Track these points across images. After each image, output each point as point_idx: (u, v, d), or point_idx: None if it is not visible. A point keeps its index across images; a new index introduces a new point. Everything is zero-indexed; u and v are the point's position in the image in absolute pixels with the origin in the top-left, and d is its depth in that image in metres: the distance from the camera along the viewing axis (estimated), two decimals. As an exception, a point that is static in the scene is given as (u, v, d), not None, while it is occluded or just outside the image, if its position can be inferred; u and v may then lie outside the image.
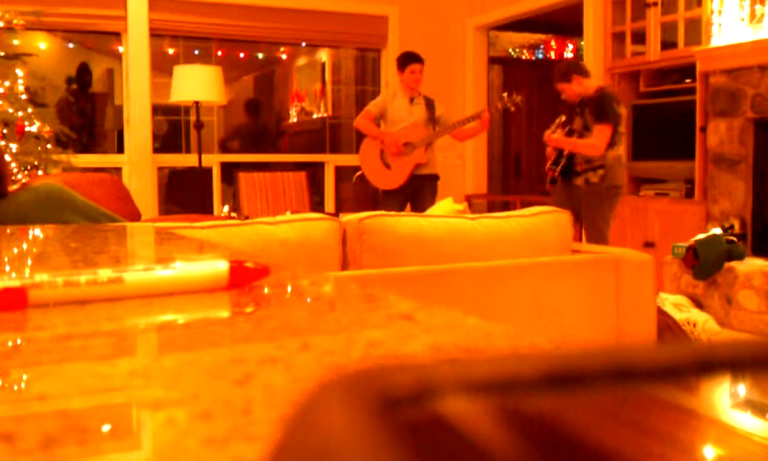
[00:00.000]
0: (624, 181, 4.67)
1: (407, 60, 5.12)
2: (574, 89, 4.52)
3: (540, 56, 9.50)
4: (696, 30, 5.14)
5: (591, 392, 0.16)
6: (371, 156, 5.15)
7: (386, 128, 5.15)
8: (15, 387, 0.34)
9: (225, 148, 8.75)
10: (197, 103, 5.77)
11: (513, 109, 5.15)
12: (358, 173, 5.32)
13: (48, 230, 1.20)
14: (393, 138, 5.02)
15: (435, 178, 5.16)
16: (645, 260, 2.60)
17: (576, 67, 4.62)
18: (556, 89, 4.64)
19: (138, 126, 6.34)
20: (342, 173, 7.41)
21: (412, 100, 5.12)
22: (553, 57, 9.48)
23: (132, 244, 1.04)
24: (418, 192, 5.07)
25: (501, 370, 0.15)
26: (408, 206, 5.12)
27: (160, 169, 6.92)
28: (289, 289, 0.61)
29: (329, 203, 7.14)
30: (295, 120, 9.94)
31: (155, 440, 0.27)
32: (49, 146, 4.82)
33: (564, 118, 4.68)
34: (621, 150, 4.51)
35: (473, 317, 0.44)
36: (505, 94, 5.12)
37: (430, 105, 5.15)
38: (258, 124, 8.92)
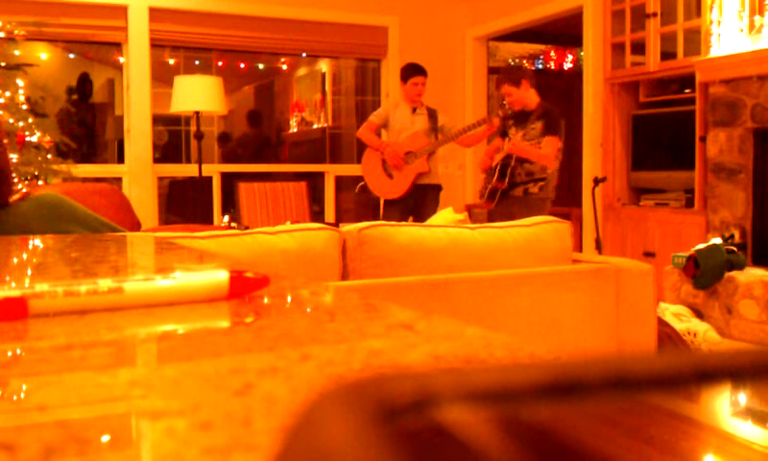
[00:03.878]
0: (553, 194, 4.79)
1: (410, 72, 5.13)
2: (521, 95, 4.66)
3: (540, 66, 9.52)
4: (695, 40, 5.15)
5: (591, 401, 0.16)
6: (373, 166, 5.15)
7: (389, 137, 5.16)
8: (16, 397, 0.34)
9: (226, 158, 8.75)
10: (197, 113, 5.78)
11: None
12: (361, 183, 5.32)
13: (48, 239, 1.21)
14: (394, 148, 5.02)
15: (437, 188, 5.16)
16: (645, 270, 2.60)
17: (526, 74, 4.81)
18: (500, 92, 4.79)
19: (139, 136, 6.35)
20: (342, 183, 7.42)
21: (414, 110, 5.13)
22: (553, 67, 9.51)
23: (132, 254, 1.04)
24: (420, 202, 5.07)
25: (501, 379, 0.15)
26: (410, 218, 5.11)
27: (161, 179, 6.93)
28: (289, 299, 0.61)
29: (329, 213, 7.15)
30: (295, 130, 9.96)
31: (154, 450, 0.27)
32: (49, 156, 4.82)
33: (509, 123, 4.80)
34: (558, 164, 4.65)
35: (473, 327, 0.44)
36: (506, 102, 5.13)
37: (432, 115, 5.15)
38: (259, 134, 8.94)
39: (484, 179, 4.92)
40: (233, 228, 5.06)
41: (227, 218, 6.31)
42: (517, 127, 4.70)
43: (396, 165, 5.04)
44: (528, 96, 4.66)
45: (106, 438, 0.28)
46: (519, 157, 4.64)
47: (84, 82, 8.61)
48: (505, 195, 4.71)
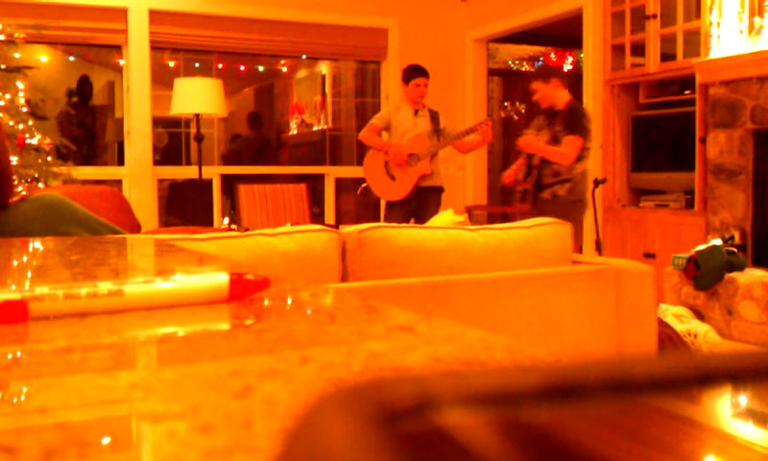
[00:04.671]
0: (589, 195, 4.74)
1: (412, 73, 5.13)
2: (549, 93, 4.61)
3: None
4: (695, 42, 5.15)
5: (592, 404, 0.16)
6: (375, 167, 5.14)
7: (391, 140, 5.14)
8: (16, 400, 0.34)
9: (226, 161, 8.77)
10: (197, 115, 5.78)
11: (516, 118, 5.16)
12: (363, 185, 5.31)
13: (48, 242, 1.21)
14: (397, 150, 5.01)
15: (439, 190, 5.14)
16: (645, 271, 2.60)
17: (557, 74, 4.77)
18: (531, 89, 4.72)
19: (139, 138, 6.35)
20: (342, 185, 7.42)
21: (416, 112, 5.12)
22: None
23: (132, 256, 1.04)
24: (422, 204, 5.05)
25: (501, 382, 0.15)
26: (412, 220, 5.09)
27: (161, 181, 6.93)
28: (289, 301, 0.61)
29: (329, 214, 7.15)
30: (295, 132, 9.97)
31: (155, 453, 0.27)
32: (49, 158, 4.82)
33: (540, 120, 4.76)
34: (587, 164, 4.59)
35: (473, 328, 0.44)
36: (507, 103, 5.14)
37: (435, 117, 5.15)
38: (259, 136, 8.94)
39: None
40: (233, 230, 5.05)
41: (227, 220, 6.32)
42: (547, 126, 4.66)
43: (400, 166, 5.02)
44: (557, 95, 4.61)
45: (106, 440, 0.28)
46: (541, 156, 4.60)
47: (84, 84, 8.61)
48: (536, 197, 4.66)
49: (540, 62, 9.51)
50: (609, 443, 0.17)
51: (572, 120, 4.50)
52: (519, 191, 4.81)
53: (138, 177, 6.35)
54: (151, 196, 6.41)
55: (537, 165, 4.62)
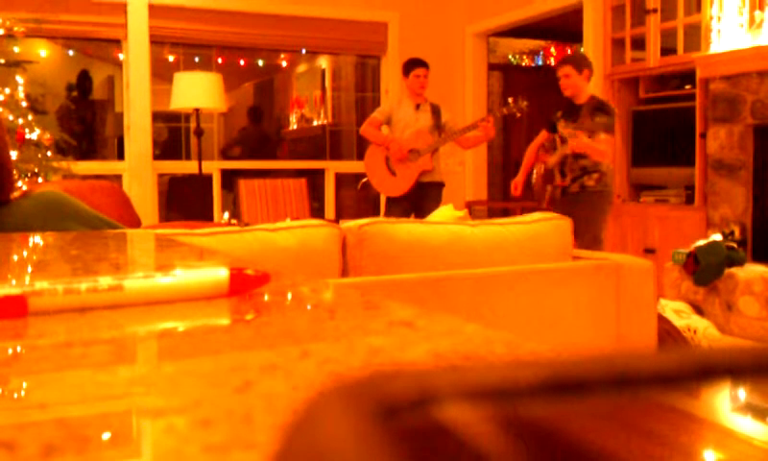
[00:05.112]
0: (613, 187, 4.68)
1: (412, 64, 5.12)
2: (578, 83, 4.49)
3: (540, 62, 9.51)
4: (695, 36, 5.15)
5: (592, 399, 0.16)
6: (376, 162, 5.13)
7: (392, 134, 5.13)
8: (16, 395, 0.34)
9: (226, 156, 8.77)
10: (197, 110, 5.78)
11: (519, 114, 5.14)
12: (363, 180, 5.30)
13: (48, 237, 1.20)
14: (398, 145, 5.00)
15: (440, 185, 5.13)
16: (645, 267, 2.60)
17: (590, 66, 4.61)
18: (557, 73, 4.56)
19: (138, 133, 6.35)
20: (342, 180, 7.41)
21: (418, 106, 5.11)
22: (553, 63, 9.50)
23: (132, 251, 1.04)
24: (422, 200, 5.03)
25: (501, 377, 0.15)
26: (412, 215, 5.08)
27: (160, 176, 6.92)
28: (289, 296, 0.61)
29: (329, 209, 7.15)
30: (295, 127, 9.96)
31: (155, 448, 0.27)
32: (49, 153, 4.82)
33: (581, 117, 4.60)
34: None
35: (473, 324, 0.44)
36: (510, 99, 5.11)
37: (436, 111, 5.13)
38: (258, 131, 8.93)
39: (538, 178, 4.72)
40: (233, 224, 5.05)
41: (227, 215, 6.32)
42: (567, 120, 4.55)
43: (401, 161, 5.01)
44: (583, 87, 4.51)
45: (106, 436, 0.28)
46: (577, 153, 4.44)
47: (84, 79, 8.61)
48: (564, 191, 4.56)
49: (539, 57, 9.50)
50: (609, 437, 0.17)
51: (608, 118, 4.41)
52: (551, 189, 4.64)
53: (138, 171, 6.35)
54: (151, 191, 6.41)
55: (569, 162, 4.54)
